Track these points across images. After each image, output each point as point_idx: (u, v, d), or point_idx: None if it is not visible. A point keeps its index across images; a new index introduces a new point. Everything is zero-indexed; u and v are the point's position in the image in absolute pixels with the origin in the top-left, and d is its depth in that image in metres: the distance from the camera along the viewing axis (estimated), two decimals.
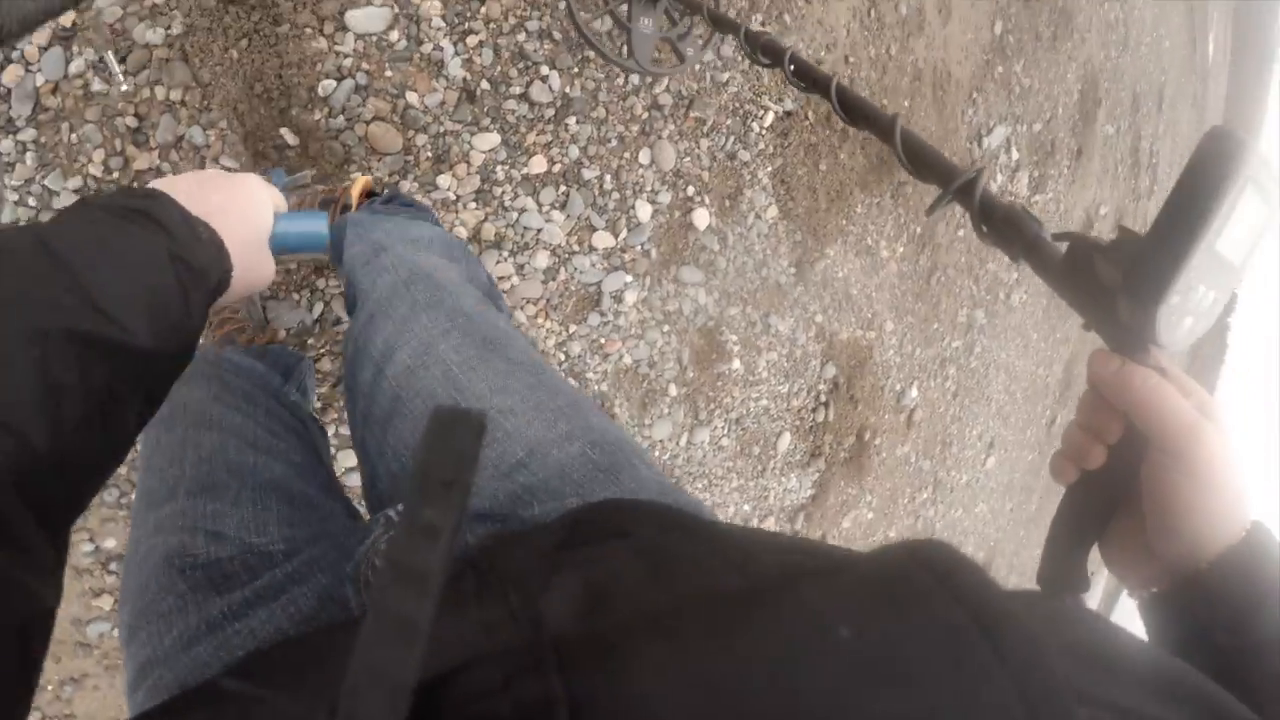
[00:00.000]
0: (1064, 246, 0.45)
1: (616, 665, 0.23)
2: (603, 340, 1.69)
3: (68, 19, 1.18)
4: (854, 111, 0.78)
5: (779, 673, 0.22)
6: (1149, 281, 0.37)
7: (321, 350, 1.47)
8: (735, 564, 0.37)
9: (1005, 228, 0.51)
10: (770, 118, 1.79)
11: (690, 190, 1.71)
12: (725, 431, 2.02)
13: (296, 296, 1.43)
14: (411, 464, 0.42)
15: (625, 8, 1.37)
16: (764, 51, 1.04)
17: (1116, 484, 0.43)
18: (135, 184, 1.27)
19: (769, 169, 1.80)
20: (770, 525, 2.20)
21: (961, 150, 2.27)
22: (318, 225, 0.64)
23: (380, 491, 0.61)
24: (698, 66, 1.66)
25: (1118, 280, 0.39)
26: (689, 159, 1.69)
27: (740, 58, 1.72)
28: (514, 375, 0.59)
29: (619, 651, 0.24)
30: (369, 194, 1.21)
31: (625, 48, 1.38)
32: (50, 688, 1.58)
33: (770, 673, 0.22)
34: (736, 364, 1.95)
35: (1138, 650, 0.30)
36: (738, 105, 1.74)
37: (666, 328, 1.78)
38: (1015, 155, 2.65)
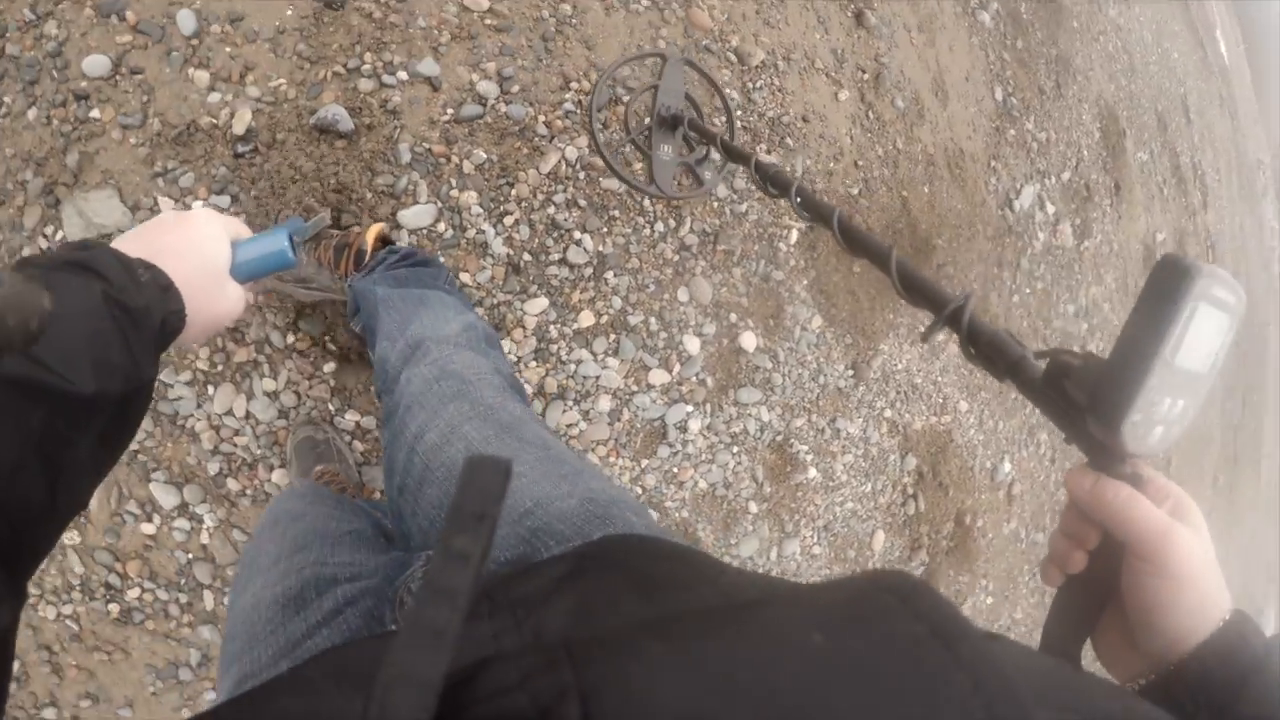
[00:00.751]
0: (1044, 365, 0.48)
1: (620, 659, 0.25)
2: (675, 469, 1.70)
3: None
4: (854, 242, 0.82)
5: (761, 668, 0.24)
6: (1111, 403, 0.41)
7: None
8: (717, 586, 0.41)
9: (990, 350, 0.55)
10: (795, 235, 1.85)
11: (733, 317, 1.76)
12: (815, 540, 1.96)
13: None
14: (449, 500, 0.45)
15: (645, 136, 1.47)
16: (773, 183, 1.10)
17: (1100, 585, 0.45)
18: (236, 376, 1.40)
19: (804, 282, 1.85)
20: None
21: (995, 219, 2.28)
22: (276, 244, 0.65)
23: (413, 547, 0.68)
24: (716, 201, 1.75)
25: (1085, 401, 0.43)
26: (725, 289, 1.75)
27: (752, 188, 1.80)
28: (525, 449, 0.67)
29: (621, 648, 0.26)
30: (384, 241, 1.27)
31: (647, 174, 1.48)
32: None
33: (753, 667, 0.24)
34: (813, 472, 1.92)
35: (1097, 679, 0.32)
36: (761, 231, 1.81)
37: (736, 449, 1.78)
38: (1051, 209, 2.63)
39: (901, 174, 2.02)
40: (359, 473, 1.49)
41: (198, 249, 0.57)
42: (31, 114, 1.39)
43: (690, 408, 1.69)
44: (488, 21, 1.61)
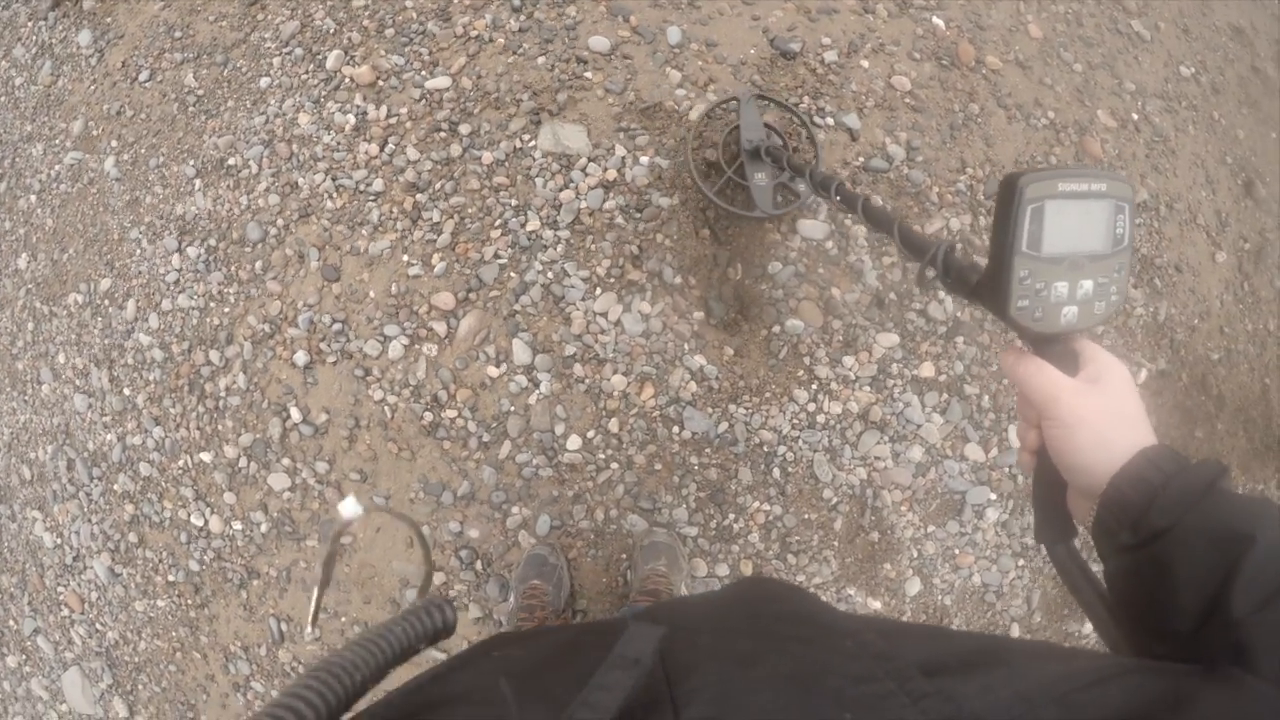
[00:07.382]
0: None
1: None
2: (957, 550, 1.62)
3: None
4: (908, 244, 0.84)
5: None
6: (994, 296, 0.50)
7: None
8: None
9: (958, 278, 0.63)
10: (1144, 374, 1.78)
11: None
12: None
13: None
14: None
15: (739, 169, 1.59)
16: (844, 201, 1.11)
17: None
18: (622, 290, 1.57)
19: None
20: None
21: None
22: None
23: None
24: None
25: (983, 299, 0.54)
26: None
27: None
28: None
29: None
30: None
31: (749, 203, 1.57)
32: None
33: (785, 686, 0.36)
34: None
35: None
36: None
37: (1021, 562, 1.67)
38: None
39: (1269, 358, 1.90)
40: (569, 604, 1.57)
41: None
42: (540, 60, 1.75)
43: (993, 496, 1.63)
44: (907, 101, 1.80)
